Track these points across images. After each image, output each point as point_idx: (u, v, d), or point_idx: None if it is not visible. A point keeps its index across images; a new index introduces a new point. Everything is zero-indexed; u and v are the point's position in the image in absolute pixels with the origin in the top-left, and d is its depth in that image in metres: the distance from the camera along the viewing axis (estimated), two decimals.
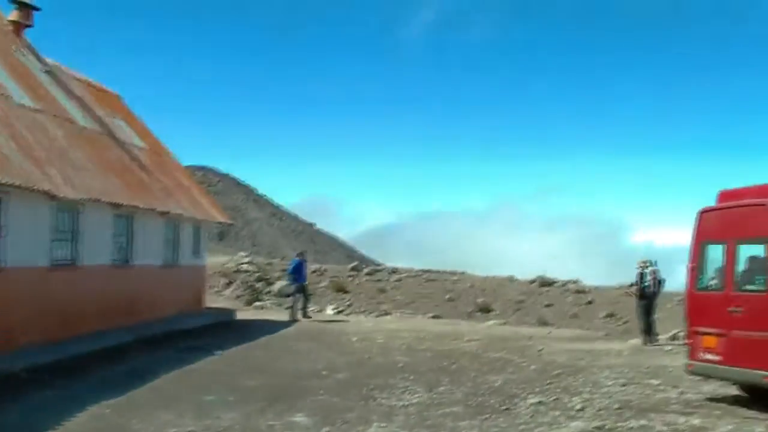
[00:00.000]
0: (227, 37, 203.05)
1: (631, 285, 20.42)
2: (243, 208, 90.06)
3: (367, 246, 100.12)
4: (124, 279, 19.40)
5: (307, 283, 26.37)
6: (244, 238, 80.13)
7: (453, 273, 39.22)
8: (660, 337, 21.06)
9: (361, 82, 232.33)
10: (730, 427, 9.80)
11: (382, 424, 9.87)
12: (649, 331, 20.07)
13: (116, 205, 18.15)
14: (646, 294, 20.02)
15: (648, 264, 20.15)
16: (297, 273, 25.66)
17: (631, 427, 9.78)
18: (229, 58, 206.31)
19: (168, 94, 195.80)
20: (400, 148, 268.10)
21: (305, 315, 25.21)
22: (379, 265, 49.42)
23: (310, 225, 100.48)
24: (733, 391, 12.22)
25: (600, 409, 10.95)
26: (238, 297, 30.55)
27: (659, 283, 20.07)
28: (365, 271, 39.61)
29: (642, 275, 20.01)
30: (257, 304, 30.14)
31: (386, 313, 30.39)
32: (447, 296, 34.10)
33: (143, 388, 11.98)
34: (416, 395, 11.94)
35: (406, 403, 11.34)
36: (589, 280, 38.62)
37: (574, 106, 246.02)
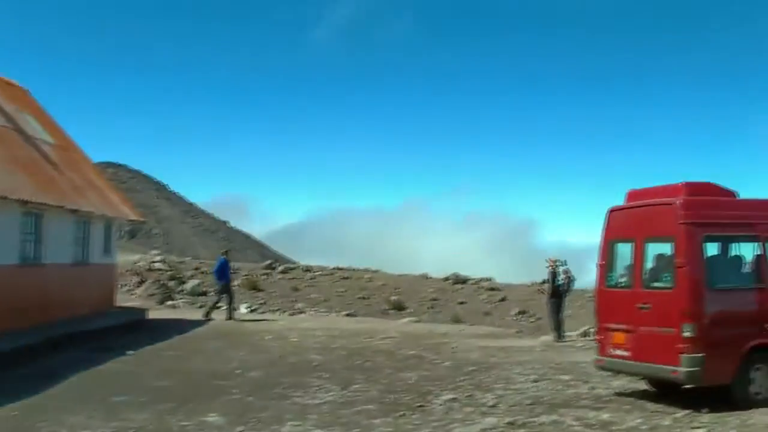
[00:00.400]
0: (140, 32, 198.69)
1: (543, 282, 20.87)
2: (155, 205, 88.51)
3: (281, 244, 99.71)
4: (34, 278, 18.81)
5: (230, 282, 25.84)
6: (157, 237, 78.84)
7: (367, 271, 39.37)
8: (571, 333, 21.55)
9: (273, 78, 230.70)
10: (638, 420, 10.04)
11: (296, 423, 9.80)
12: (559, 328, 20.52)
13: (24, 203, 17.57)
14: (558, 292, 20.48)
15: (558, 263, 20.65)
16: (221, 272, 25.13)
17: (543, 423, 9.93)
18: (140, 54, 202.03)
19: (77, 91, 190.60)
20: (311, 146, 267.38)
21: (229, 316, 24.63)
22: (293, 263, 49.21)
23: (224, 223, 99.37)
24: (642, 385, 12.56)
25: (512, 405, 11.09)
26: (150, 296, 29.95)
27: (570, 281, 20.58)
28: (279, 269, 39.41)
29: (554, 273, 20.46)
30: (170, 303, 29.61)
31: (300, 312, 30.27)
32: (361, 294, 34.18)
33: (53, 390, 11.67)
34: (330, 393, 11.90)
35: (320, 401, 11.29)
36: (502, 277, 39.32)
37: (488, 104, 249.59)
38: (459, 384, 12.87)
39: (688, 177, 11.88)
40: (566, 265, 20.71)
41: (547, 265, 20.76)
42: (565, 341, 20.11)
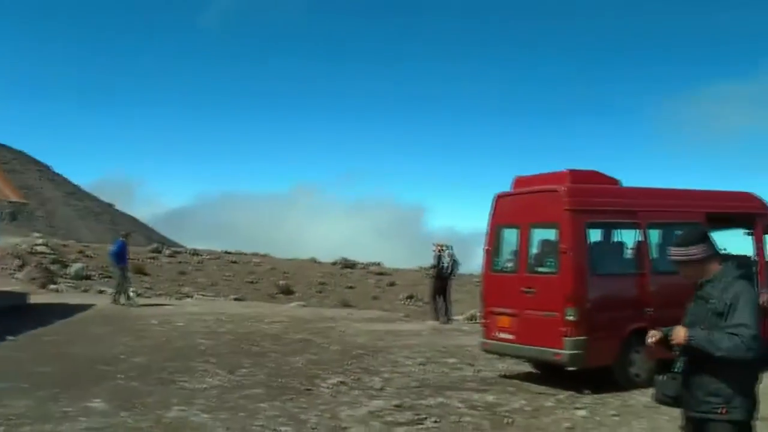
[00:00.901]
0: (21, 16, 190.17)
1: (432, 267, 21.19)
2: (38, 187, 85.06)
3: (168, 227, 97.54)
4: None
5: (127, 266, 24.75)
6: (40, 219, 75.77)
7: (255, 255, 38.95)
8: (457, 317, 21.88)
9: (160, 59, 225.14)
10: (522, 402, 10.27)
11: (182, 408, 9.57)
12: (445, 311, 20.88)
13: None
14: (443, 275, 20.79)
15: (444, 247, 20.97)
16: (119, 255, 24.04)
17: (430, 405, 10.02)
18: (23, 36, 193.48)
19: None
20: (198, 129, 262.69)
21: (114, 300, 23.60)
22: (180, 247, 48.26)
23: (110, 205, 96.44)
24: (526, 368, 12.83)
25: (399, 388, 11.15)
26: (32, 279, 28.73)
27: (455, 265, 20.95)
28: (166, 253, 38.55)
29: (440, 258, 20.74)
30: (52, 287, 28.49)
31: (187, 296, 29.68)
32: (249, 279, 33.80)
33: None
34: (217, 378, 11.69)
35: (207, 385, 11.06)
36: (391, 262, 39.57)
37: (374, 89, 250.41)
38: (347, 368, 12.85)
39: (573, 165, 12.16)
40: (452, 249, 21.07)
41: (434, 249, 21.07)
42: (452, 324, 20.39)
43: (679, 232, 12.80)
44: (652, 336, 4.73)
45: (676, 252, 4.74)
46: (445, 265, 20.78)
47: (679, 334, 4.55)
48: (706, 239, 4.77)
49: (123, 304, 22.97)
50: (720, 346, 4.38)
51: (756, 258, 12.83)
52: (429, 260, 21.84)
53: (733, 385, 4.45)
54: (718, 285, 4.58)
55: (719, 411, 4.46)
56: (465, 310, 23.77)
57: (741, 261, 4.25)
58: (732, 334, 4.39)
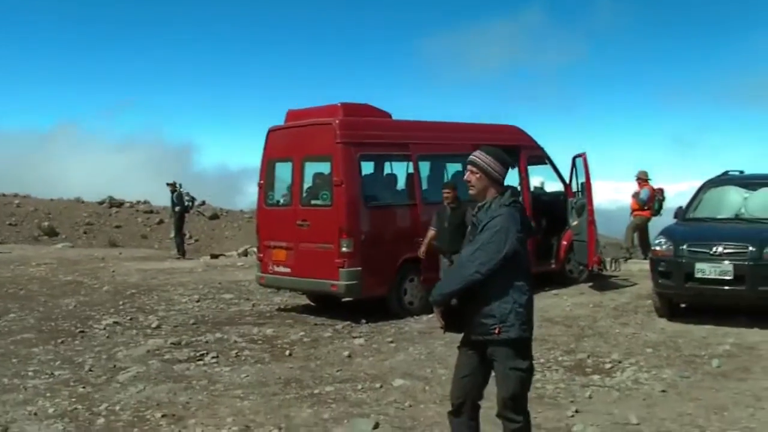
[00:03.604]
0: None
1: (175, 205, 21.38)
2: None
3: None
4: None
5: None
6: None
7: (16, 196, 36.35)
8: (231, 253, 21.86)
9: None
10: (301, 333, 10.37)
11: None
12: (182, 244, 21.81)
13: None
14: (180, 212, 21.43)
15: (178, 185, 21.56)
16: None
17: (208, 341, 9.92)
18: None
19: None
20: None
21: None
22: None
23: None
24: (303, 300, 12.96)
25: (176, 326, 10.95)
26: None
27: (192, 202, 22.28)
28: None
29: (179, 195, 21.31)
30: None
31: None
32: (10, 221, 31.56)
33: None
34: None
35: None
36: (159, 201, 38.32)
37: (138, 18, 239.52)
38: (120, 308, 12.44)
39: (345, 98, 12.22)
40: (184, 188, 21.79)
41: (169, 188, 21.56)
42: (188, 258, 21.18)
43: (449, 165, 13.37)
44: (441, 327, 4.91)
45: (479, 155, 4.82)
46: (187, 203, 21.58)
47: (435, 307, 4.83)
48: (507, 166, 4.90)
49: None
50: (459, 282, 4.66)
51: (519, 188, 13.64)
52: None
53: (506, 306, 4.64)
54: (489, 212, 4.72)
55: (494, 331, 4.66)
56: (238, 246, 23.60)
57: (517, 192, 4.51)
58: (469, 259, 4.65)
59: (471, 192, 4.89)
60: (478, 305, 4.68)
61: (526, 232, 4.84)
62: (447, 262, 10.61)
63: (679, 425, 6.37)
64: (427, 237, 10.98)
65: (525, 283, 4.76)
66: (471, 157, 4.85)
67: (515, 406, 4.76)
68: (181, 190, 21.56)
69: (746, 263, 10.14)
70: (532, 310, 4.82)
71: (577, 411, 6.78)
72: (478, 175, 4.80)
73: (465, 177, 4.91)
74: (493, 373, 4.82)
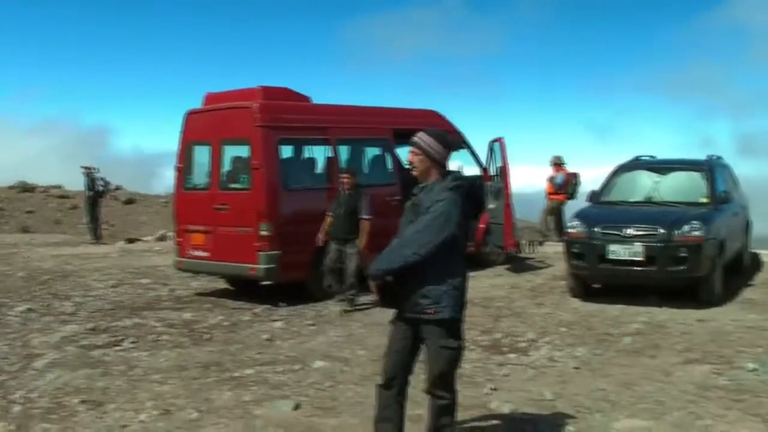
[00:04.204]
0: None
1: (90, 190, 21.05)
2: None
3: None
4: None
5: None
6: None
7: None
8: (147, 238, 21.58)
9: None
10: (220, 317, 10.35)
11: None
12: (96, 229, 21.59)
13: None
14: (93, 196, 21.29)
15: (93, 169, 21.43)
16: None
17: (126, 326, 9.82)
18: None
19: None
20: None
21: None
22: None
23: None
24: (222, 285, 12.89)
25: (93, 312, 10.79)
26: None
27: (107, 186, 22.22)
28: None
29: (93, 180, 21.15)
30: None
31: None
32: None
33: None
34: None
35: None
36: (73, 185, 37.37)
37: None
38: (35, 294, 12.19)
39: (264, 82, 12.18)
40: (100, 172, 21.70)
41: (83, 172, 21.35)
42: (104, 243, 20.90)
43: (368, 149, 13.49)
44: (377, 301, 5.01)
45: (421, 136, 4.93)
46: (101, 186, 21.40)
47: (371, 281, 4.87)
48: (449, 148, 5.01)
49: None
50: (399, 262, 4.74)
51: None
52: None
53: (441, 287, 4.78)
54: (430, 194, 4.84)
55: (429, 312, 4.80)
56: (154, 231, 23.24)
57: (459, 177, 4.63)
58: (409, 238, 4.77)
59: (414, 173, 5.01)
60: (415, 284, 4.80)
61: (477, 210, 5.00)
62: (336, 249, 10.74)
63: (592, 400, 6.58)
64: (325, 223, 10.96)
65: (460, 266, 4.92)
66: (414, 138, 4.97)
67: (444, 384, 4.93)
68: (96, 174, 21.29)
69: (656, 245, 10.54)
70: (465, 292, 4.97)
71: (493, 389, 6.95)
72: (420, 157, 4.92)
73: (408, 158, 5.03)
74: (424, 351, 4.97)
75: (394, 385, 5.02)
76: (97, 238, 21.35)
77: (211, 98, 12.54)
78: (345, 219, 10.65)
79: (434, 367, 4.90)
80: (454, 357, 4.91)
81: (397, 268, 4.77)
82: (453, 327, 4.89)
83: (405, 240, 4.81)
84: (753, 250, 14.81)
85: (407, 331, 4.97)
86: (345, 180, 10.87)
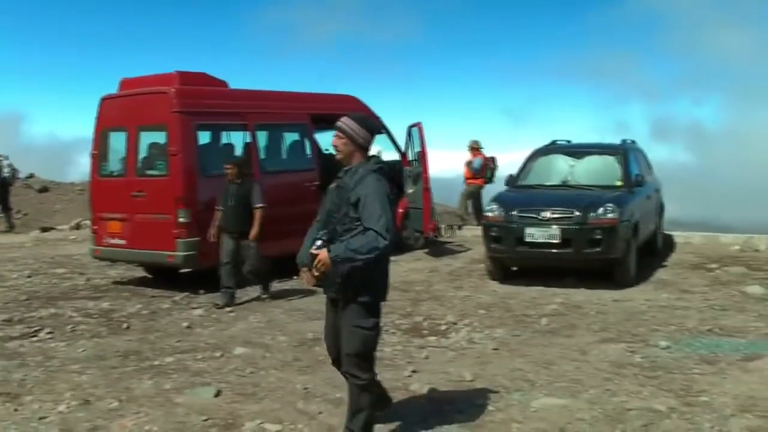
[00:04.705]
0: None
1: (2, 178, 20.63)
2: None
3: None
4: None
5: None
6: None
7: None
8: (62, 227, 21.23)
9: None
10: (138, 306, 10.25)
11: None
12: (8, 218, 21.20)
13: None
14: (4, 183, 20.90)
15: (2, 157, 21.00)
16: None
17: (42, 316, 9.66)
18: None
19: None
20: None
21: None
22: None
23: None
24: (140, 273, 12.74)
25: (7, 302, 10.58)
26: None
27: (14, 173, 21.67)
28: None
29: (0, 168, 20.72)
30: None
31: None
32: None
33: None
34: None
35: None
36: None
37: None
38: None
39: (181, 67, 12.05)
40: (9, 159, 21.25)
41: None
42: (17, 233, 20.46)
43: (286, 134, 13.47)
44: (306, 280, 5.04)
45: (345, 121, 5.01)
46: (6, 173, 20.86)
47: (324, 260, 4.78)
48: (372, 133, 5.12)
49: None
50: (360, 250, 4.70)
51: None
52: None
53: (363, 270, 4.85)
54: (354, 176, 4.91)
55: (348, 291, 4.92)
56: (69, 219, 22.72)
57: (380, 160, 4.76)
58: (366, 229, 4.75)
59: (338, 157, 5.08)
60: (339, 265, 4.85)
61: (397, 194, 5.09)
62: (231, 242, 10.34)
63: (510, 380, 6.75)
64: (215, 218, 10.56)
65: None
66: (338, 123, 5.03)
67: (359, 364, 5.01)
68: (4, 161, 20.85)
69: (572, 227, 10.80)
70: (387, 274, 5.08)
71: (414, 371, 7.06)
72: (344, 140, 5.00)
73: (332, 142, 5.10)
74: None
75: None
76: (10, 227, 20.88)
77: (126, 83, 12.33)
78: (236, 211, 10.27)
79: (348, 346, 5.00)
80: (368, 337, 5.01)
81: (365, 255, 4.74)
82: (370, 307, 4.99)
83: (365, 232, 4.77)
84: (666, 232, 15.26)
85: (334, 311, 5.13)
86: (228, 171, 10.44)
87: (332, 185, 5.15)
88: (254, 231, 10.19)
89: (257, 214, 10.21)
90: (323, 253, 4.78)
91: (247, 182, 10.37)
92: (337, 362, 5.25)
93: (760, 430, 5.51)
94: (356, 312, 4.94)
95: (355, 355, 4.99)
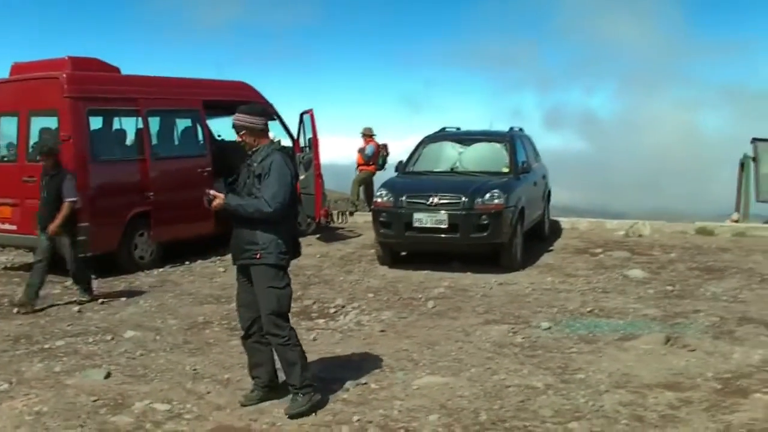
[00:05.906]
0: None
1: None
2: None
3: None
4: None
5: None
6: None
7: None
8: None
9: None
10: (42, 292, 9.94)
11: None
12: None
13: None
14: None
15: None
16: None
17: None
18: None
19: None
20: None
21: None
22: None
23: None
24: (31, 258, 12.60)
25: None
26: None
27: None
28: None
29: None
30: None
31: None
32: None
33: None
34: None
35: None
36: None
37: None
38: None
39: (73, 52, 11.99)
40: None
41: None
42: None
43: (179, 120, 13.54)
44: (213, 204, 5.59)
45: (242, 118, 5.58)
46: None
47: (220, 200, 5.50)
48: (264, 116, 5.74)
49: None
50: (246, 208, 5.44)
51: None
52: None
53: (267, 235, 5.50)
54: (261, 153, 5.56)
55: (255, 256, 5.53)
56: None
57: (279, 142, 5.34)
58: (258, 197, 5.41)
59: (247, 149, 5.66)
60: (246, 234, 5.53)
61: (295, 175, 5.66)
62: (45, 239, 9.50)
63: (396, 360, 7.07)
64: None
65: (289, 219, 5.69)
66: (233, 123, 5.63)
67: (276, 322, 5.61)
68: None
69: (459, 213, 11.13)
70: (289, 239, 5.67)
71: None
72: (243, 133, 5.60)
73: (237, 140, 5.69)
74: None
75: (253, 332, 5.79)
76: None
77: (17, 68, 12.23)
78: (50, 205, 9.46)
79: (264, 307, 5.59)
80: (282, 295, 5.62)
81: (249, 212, 5.44)
82: (278, 270, 5.60)
83: (257, 198, 5.43)
84: (554, 218, 15.80)
85: (246, 282, 5.71)
86: (42, 162, 9.71)
87: (243, 165, 5.71)
88: (53, 225, 9.31)
89: (63, 208, 9.30)
90: (221, 195, 5.51)
91: (61, 173, 9.48)
92: (246, 335, 5.84)
93: (632, 404, 5.87)
94: (267, 274, 5.54)
95: (272, 314, 5.57)
